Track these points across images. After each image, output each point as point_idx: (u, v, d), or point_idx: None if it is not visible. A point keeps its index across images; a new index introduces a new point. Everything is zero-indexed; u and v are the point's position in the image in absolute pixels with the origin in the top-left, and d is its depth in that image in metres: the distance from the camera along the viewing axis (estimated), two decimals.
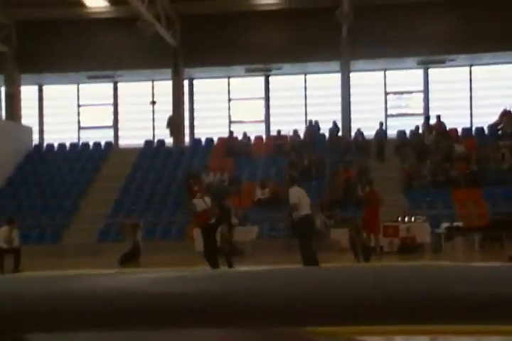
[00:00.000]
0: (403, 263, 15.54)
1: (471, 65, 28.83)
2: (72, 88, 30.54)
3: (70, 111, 30.44)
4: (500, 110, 26.91)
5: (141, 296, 1.07)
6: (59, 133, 29.81)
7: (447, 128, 26.55)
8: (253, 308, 1.05)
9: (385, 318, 1.06)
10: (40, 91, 30.89)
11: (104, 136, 29.56)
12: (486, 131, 27.00)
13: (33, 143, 29.57)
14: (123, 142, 29.80)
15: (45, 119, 30.72)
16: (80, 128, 30.35)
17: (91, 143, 29.02)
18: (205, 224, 14.21)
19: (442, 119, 26.70)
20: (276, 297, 1.04)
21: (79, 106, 30.51)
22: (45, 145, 29.58)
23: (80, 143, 29.42)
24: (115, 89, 30.48)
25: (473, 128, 27.62)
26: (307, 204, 13.81)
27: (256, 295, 1.04)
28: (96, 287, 1.10)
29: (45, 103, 30.83)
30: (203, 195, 14.93)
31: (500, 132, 26.30)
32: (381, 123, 26.83)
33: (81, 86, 30.53)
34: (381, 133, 26.02)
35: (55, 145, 29.15)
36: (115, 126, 30.15)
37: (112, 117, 30.23)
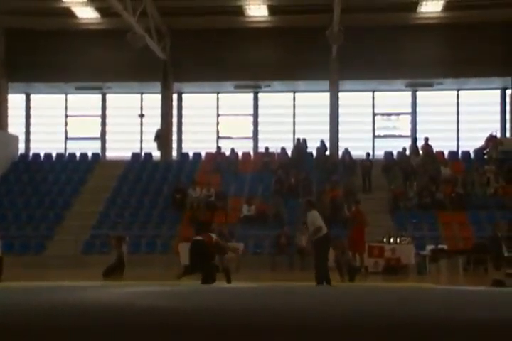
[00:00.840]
0: (388, 284, 15.59)
1: (458, 89, 29.18)
2: (60, 98, 30.46)
3: (57, 121, 30.32)
4: (486, 135, 27.21)
5: (123, 309, 1.07)
6: (46, 142, 29.66)
7: (434, 151, 26.78)
8: (234, 324, 1.06)
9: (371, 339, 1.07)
10: (28, 100, 30.76)
11: (91, 147, 29.46)
12: (472, 155, 27.27)
13: (19, 152, 29.40)
14: (110, 154, 29.72)
15: (31, 128, 30.58)
16: (66, 138, 30.23)
17: (78, 154, 28.90)
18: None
19: (429, 142, 26.94)
20: (256, 313, 1.05)
21: (66, 116, 30.41)
22: (31, 154, 29.43)
23: (67, 154, 29.29)
24: (103, 100, 30.44)
25: (460, 152, 27.89)
26: (323, 224, 14.66)
27: (238, 311, 1.05)
28: (79, 299, 1.10)
29: (32, 112, 30.71)
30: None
31: (485, 157, 26.57)
32: (368, 154, 26.66)
33: (69, 96, 30.46)
34: (368, 164, 25.73)
35: (42, 154, 29.00)
36: (102, 137, 30.08)
37: (100, 129, 30.16)
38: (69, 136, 30.29)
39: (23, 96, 30.65)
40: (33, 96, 30.79)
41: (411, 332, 1.02)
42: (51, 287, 1.08)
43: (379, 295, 1.08)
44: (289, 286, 1.16)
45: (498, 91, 29.15)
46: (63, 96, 30.43)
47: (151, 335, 1.07)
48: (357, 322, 1.02)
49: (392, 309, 1.02)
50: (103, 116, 30.25)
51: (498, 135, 27.83)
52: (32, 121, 30.63)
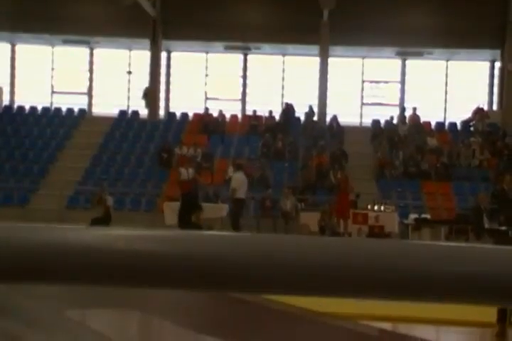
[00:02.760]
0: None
1: (447, 60, 29.18)
2: (46, 50, 29.97)
3: (43, 73, 29.89)
4: (473, 107, 27.35)
5: (103, 251, 1.08)
6: (31, 95, 29.29)
7: (421, 121, 26.90)
8: (215, 271, 1.07)
9: (345, 290, 1.08)
10: (13, 50, 30.25)
11: (78, 103, 29.17)
12: (459, 127, 27.44)
13: (3, 104, 29.03)
14: (97, 109, 29.46)
15: (16, 80, 30.14)
16: (53, 92, 29.87)
17: (64, 109, 28.62)
18: (187, 193, 14.58)
19: (417, 112, 27.05)
20: (237, 261, 1.06)
21: (53, 69, 29.99)
22: (16, 106, 29.07)
23: (53, 108, 28.99)
24: (91, 55, 30.03)
25: (447, 123, 28.04)
26: (245, 189, 15.94)
27: (219, 258, 1.06)
28: (58, 239, 1.11)
29: (17, 63, 30.22)
30: (188, 166, 15.28)
31: (472, 129, 26.75)
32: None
33: (56, 49, 29.97)
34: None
35: (27, 107, 28.67)
36: (89, 92, 29.76)
37: (87, 84, 29.82)
38: (55, 89, 29.91)
39: (8, 46, 30.13)
40: (18, 47, 30.26)
41: (393, 284, 1.05)
42: (30, 226, 1.08)
43: (362, 247, 1.10)
44: (279, 236, 1.16)
45: (488, 64, 29.20)
46: (50, 48, 29.96)
47: (131, 278, 1.09)
48: (334, 273, 1.04)
49: (374, 260, 1.05)
50: (90, 71, 29.89)
51: (485, 108, 27.98)
52: (17, 72, 30.17)
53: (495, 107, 28.47)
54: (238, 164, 17.00)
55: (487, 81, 29.07)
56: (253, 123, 26.83)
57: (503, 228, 18.06)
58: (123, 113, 28.52)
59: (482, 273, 1.02)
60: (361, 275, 1.04)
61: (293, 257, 1.04)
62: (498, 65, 28.54)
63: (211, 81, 29.66)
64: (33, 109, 28.59)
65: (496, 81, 28.65)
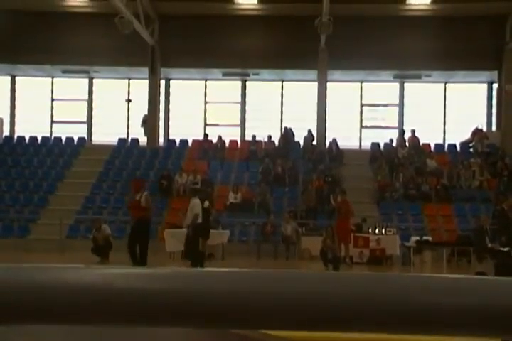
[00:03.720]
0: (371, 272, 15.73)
1: (445, 82, 29.28)
2: (46, 81, 30.19)
3: (43, 104, 30.07)
4: (472, 128, 27.38)
5: (103, 290, 1.07)
6: (31, 125, 29.43)
7: (420, 143, 26.92)
8: (213, 308, 1.05)
9: (346, 326, 1.07)
10: (13, 82, 30.47)
11: (77, 132, 29.28)
12: (458, 148, 27.44)
13: (4, 135, 29.16)
14: (96, 138, 29.56)
15: (17, 111, 30.31)
16: (52, 122, 30.01)
17: (63, 138, 28.72)
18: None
19: (416, 134, 27.08)
20: (237, 298, 1.04)
21: (52, 100, 30.17)
22: (15, 137, 29.20)
23: (52, 138, 29.10)
24: (90, 84, 30.23)
25: (446, 145, 28.05)
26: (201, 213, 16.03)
27: (225, 294, 1.04)
28: (57, 279, 1.09)
29: (17, 94, 30.42)
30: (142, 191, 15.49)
31: (471, 150, 26.75)
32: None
33: (55, 80, 30.18)
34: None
35: (27, 137, 28.79)
36: (89, 122, 29.89)
37: (86, 113, 29.97)
38: (55, 119, 30.06)
39: (8, 78, 30.36)
40: (18, 79, 30.49)
41: (393, 318, 1.02)
42: (29, 267, 1.05)
43: (361, 281, 1.07)
44: (277, 271, 1.14)
45: (485, 85, 29.29)
46: (49, 79, 30.16)
47: (130, 316, 1.07)
48: (353, 309, 1.02)
49: (374, 295, 1.02)
50: (90, 101, 30.05)
51: (484, 129, 28.00)
52: (17, 103, 30.36)
53: (494, 128, 28.49)
54: (194, 189, 17.33)
55: (485, 102, 29.13)
56: (252, 149, 26.87)
57: (505, 249, 17.92)
58: (122, 141, 28.61)
59: (486, 305, 1.00)
60: (361, 309, 1.02)
61: (291, 293, 1.02)
62: (495, 86, 28.62)
63: (210, 107, 29.79)
64: (33, 139, 28.70)
65: (494, 102, 28.71)
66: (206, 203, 16.76)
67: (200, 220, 15.86)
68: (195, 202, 16.00)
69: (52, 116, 30.07)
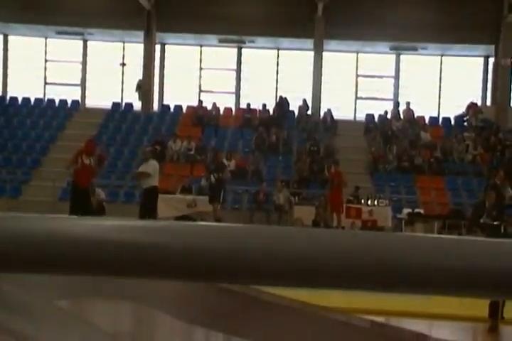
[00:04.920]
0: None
1: (442, 55, 29.19)
2: (40, 41, 29.81)
3: (36, 65, 29.73)
4: (467, 102, 27.38)
5: (95, 242, 1.06)
6: (24, 86, 29.13)
7: (415, 116, 26.93)
8: (204, 262, 1.05)
9: (336, 282, 1.06)
10: (6, 41, 30.08)
11: (71, 94, 29.03)
12: (452, 122, 27.47)
13: None
14: (90, 101, 29.33)
15: (9, 71, 29.98)
16: (46, 83, 29.72)
17: (57, 100, 28.48)
18: None
19: (411, 106, 27.07)
20: (228, 252, 1.04)
21: (46, 60, 29.84)
22: (8, 97, 28.91)
23: (46, 99, 28.84)
24: (85, 47, 29.90)
25: (440, 118, 28.07)
26: (157, 178, 16.06)
27: (224, 249, 1.04)
28: (47, 229, 1.09)
29: (10, 54, 30.05)
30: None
31: (465, 124, 26.79)
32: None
33: (49, 40, 29.81)
34: None
35: (19, 98, 28.52)
36: (83, 84, 29.62)
37: (80, 75, 29.69)
38: (48, 81, 29.77)
39: (0, 37, 29.95)
40: (11, 38, 30.08)
41: (381, 277, 1.03)
42: (21, 216, 1.04)
43: (355, 239, 1.08)
44: (279, 228, 1.13)
45: (482, 59, 29.23)
46: (43, 39, 29.79)
47: (122, 268, 1.07)
48: (351, 265, 1.02)
49: (364, 253, 1.03)
50: (84, 63, 29.75)
51: (479, 103, 28.01)
52: (10, 63, 30.01)
53: (488, 102, 28.51)
54: (153, 150, 17.26)
55: (481, 76, 29.10)
56: (247, 117, 26.79)
57: (496, 223, 18.09)
58: (116, 105, 28.41)
59: (476, 265, 1.01)
60: (353, 267, 1.02)
61: (283, 248, 1.02)
62: (492, 60, 28.56)
63: (205, 74, 29.58)
64: (26, 100, 28.44)
65: (489, 76, 28.68)
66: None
67: (155, 183, 15.95)
68: (153, 163, 16.23)
69: (45, 77, 29.77)
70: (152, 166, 15.93)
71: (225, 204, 21.56)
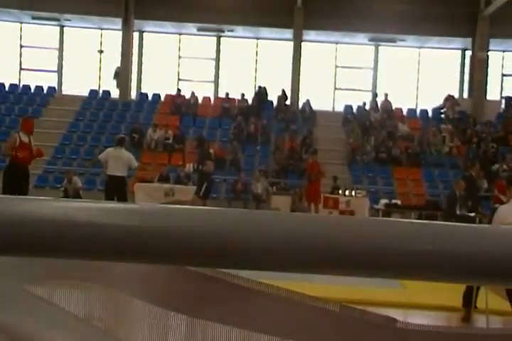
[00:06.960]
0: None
1: (420, 47, 29.33)
2: (15, 26, 29.42)
3: (11, 50, 29.35)
4: (444, 94, 27.56)
5: (59, 222, 1.05)
6: None
7: (393, 108, 27.05)
8: (170, 245, 1.04)
9: (310, 266, 1.06)
10: None
11: (47, 81, 28.71)
12: (430, 114, 27.64)
13: None
14: (66, 88, 29.04)
15: None
16: (21, 69, 29.36)
17: (32, 86, 28.16)
18: None
19: (389, 98, 27.18)
20: (195, 236, 1.04)
21: (21, 46, 29.47)
22: None
23: (21, 85, 28.50)
24: (61, 33, 29.58)
25: (418, 110, 28.23)
26: (116, 167, 15.62)
27: (191, 231, 1.04)
28: (23, 210, 1.07)
29: None
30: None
31: (443, 116, 26.97)
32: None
33: (24, 25, 29.43)
34: None
35: None
36: (59, 71, 29.32)
37: (57, 62, 29.37)
38: (23, 66, 29.41)
39: None
40: None
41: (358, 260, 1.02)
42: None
43: (333, 223, 1.07)
44: (252, 211, 1.11)
45: (459, 52, 29.42)
46: (18, 24, 29.40)
47: (87, 250, 1.05)
48: (295, 249, 1.01)
49: (340, 236, 1.02)
50: (60, 49, 29.43)
51: (456, 95, 28.20)
52: None
53: (465, 95, 28.71)
54: (120, 139, 17.01)
55: (458, 69, 29.29)
56: (225, 106, 26.71)
57: (472, 214, 18.26)
58: (94, 92, 28.17)
59: (452, 250, 1.00)
60: (329, 251, 1.00)
61: (255, 232, 1.00)
62: (469, 53, 28.75)
63: (184, 62, 29.43)
64: (1, 85, 28.06)
65: (466, 69, 28.87)
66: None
67: (110, 172, 15.78)
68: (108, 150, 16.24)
69: (20, 63, 29.41)
70: (105, 153, 15.78)
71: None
